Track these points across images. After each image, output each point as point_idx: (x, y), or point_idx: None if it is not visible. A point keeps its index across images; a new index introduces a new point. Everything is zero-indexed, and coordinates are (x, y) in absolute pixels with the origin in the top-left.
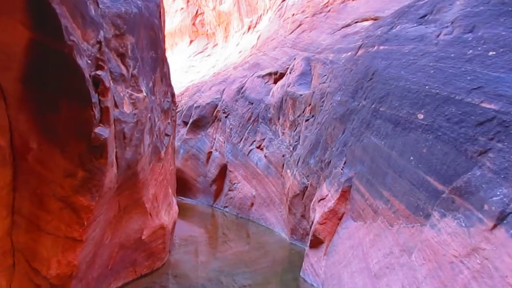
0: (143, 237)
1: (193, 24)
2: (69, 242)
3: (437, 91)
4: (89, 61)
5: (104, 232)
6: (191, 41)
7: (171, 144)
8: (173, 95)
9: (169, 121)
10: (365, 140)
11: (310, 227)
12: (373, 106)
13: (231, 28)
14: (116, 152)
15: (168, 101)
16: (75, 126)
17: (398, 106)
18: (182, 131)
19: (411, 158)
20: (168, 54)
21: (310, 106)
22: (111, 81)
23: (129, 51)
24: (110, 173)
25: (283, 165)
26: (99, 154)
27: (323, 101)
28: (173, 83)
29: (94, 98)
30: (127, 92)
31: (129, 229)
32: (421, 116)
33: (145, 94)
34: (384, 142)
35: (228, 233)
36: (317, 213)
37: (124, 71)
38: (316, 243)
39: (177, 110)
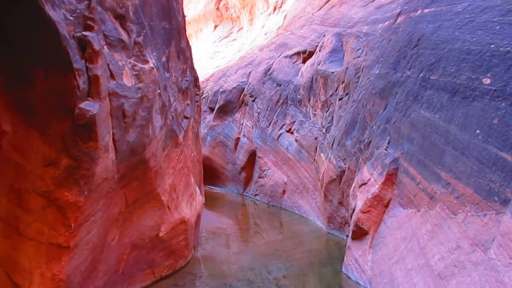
0: (160, 234)
1: (217, 8)
2: (53, 250)
3: (508, 49)
4: (71, 17)
5: (107, 233)
6: (215, 26)
7: (192, 128)
8: (196, 78)
9: (189, 102)
10: (413, 115)
11: (351, 216)
12: (421, 75)
13: (256, 10)
14: (113, 134)
15: (187, 80)
16: (55, 100)
17: (455, 72)
18: (209, 118)
19: (478, 131)
20: (192, 41)
21: (344, 84)
22: (105, 46)
23: (131, 13)
24: (104, 160)
25: (316, 148)
26: (86, 136)
27: (358, 77)
28: (198, 69)
29: (78, 63)
30: (129, 62)
31: (143, 226)
32: (487, 81)
33: (152, 65)
34: (439, 115)
35: (259, 222)
36: (359, 200)
37: (125, 36)
38: (359, 234)
39: (202, 96)
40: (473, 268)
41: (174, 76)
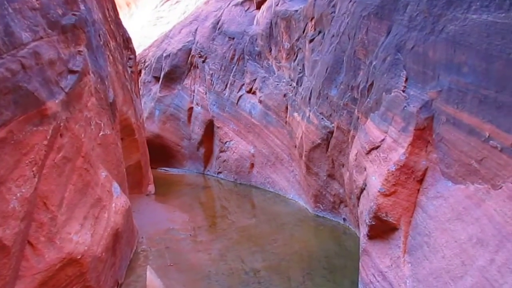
0: None
1: None
2: None
3: None
4: None
5: None
6: None
7: (97, 93)
8: (127, 39)
9: (82, 49)
10: (453, 27)
11: (358, 198)
12: None
13: None
14: None
15: (74, 15)
16: None
17: None
18: (155, 89)
19: None
20: (132, 9)
21: (314, 20)
22: None
23: None
24: None
25: (287, 108)
26: None
27: (333, 5)
28: (142, 39)
29: None
30: None
31: None
32: None
33: None
34: None
35: (227, 206)
36: (373, 175)
37: None
38: (381, 230)
39: (145, 65)
40: None
41: (38, 3)
